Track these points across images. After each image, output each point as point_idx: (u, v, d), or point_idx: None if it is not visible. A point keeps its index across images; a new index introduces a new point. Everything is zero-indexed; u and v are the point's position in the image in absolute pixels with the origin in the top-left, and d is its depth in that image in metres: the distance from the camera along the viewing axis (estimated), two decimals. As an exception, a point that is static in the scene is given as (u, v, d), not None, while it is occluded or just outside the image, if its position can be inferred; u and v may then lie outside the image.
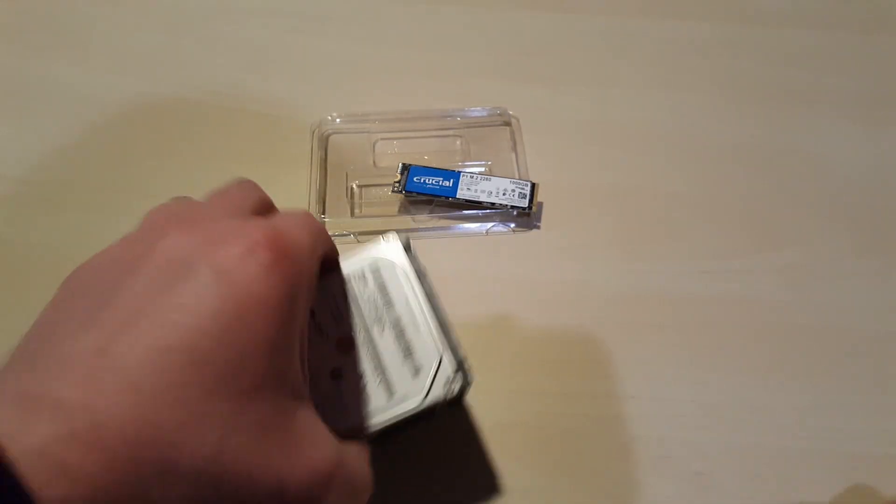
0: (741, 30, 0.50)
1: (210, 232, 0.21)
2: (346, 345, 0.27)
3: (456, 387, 0.27)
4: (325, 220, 0.40)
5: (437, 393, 0.27)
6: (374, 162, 0.43)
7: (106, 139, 0.44)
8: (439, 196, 0.40)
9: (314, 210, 0.40)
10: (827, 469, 0.33)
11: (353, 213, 0.41)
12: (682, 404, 0.35)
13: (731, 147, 0.44)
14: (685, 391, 0.36)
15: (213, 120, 0.45)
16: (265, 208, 0.26)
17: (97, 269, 0.22)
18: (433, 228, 0.41)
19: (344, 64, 0.47)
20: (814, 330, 0.38)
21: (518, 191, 0.40)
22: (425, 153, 0.43)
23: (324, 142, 0.43)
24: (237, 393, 0.19)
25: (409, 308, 0.28)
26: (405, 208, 0.41)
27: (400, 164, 0.41)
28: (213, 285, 0.20)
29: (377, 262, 0.29)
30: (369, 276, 0.29)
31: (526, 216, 0.41)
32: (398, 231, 0.30)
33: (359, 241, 0.40)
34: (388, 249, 0.29)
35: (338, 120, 0.44)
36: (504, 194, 0.40)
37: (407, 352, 0.27)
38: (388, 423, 0.26)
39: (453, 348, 0.27)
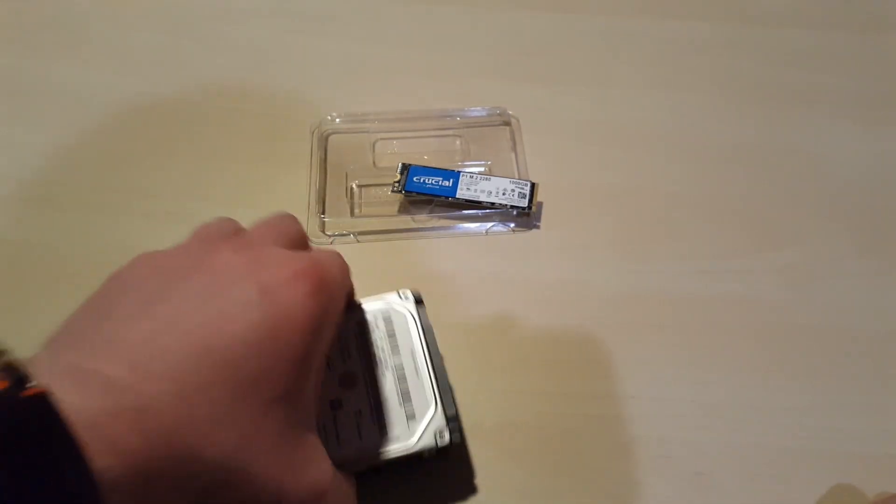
0: (741, 30, 0.50)
1: (259, 255, 0.24)
2: (349, 380, 0.29)
3: (445, 439, 0.29)
4: (325, 219, 0.40)
5: (427, 441, 0.28)
6: (373, 162, 0.43)
7: (106, 139, 0.44)
8: (439, 196, 0.40)
9: (314, 210, 0.40)
10: (827, 469, 0.33)
11: (352, 213, 0.41)
12: (682, 404, 0.35)
13: (731, 147, 0.44)
14: (685, 391, 0.35)
15: (213, 120, 0.45)
16: (302, 242, 0.29)
17: (149, 269, 0.24)
18: (433, 228, 0.40)
19: (344, 64, 0.47)
20: (814, 330, 0.38)
21: (518, 191, 0.40)
22: (425, 153, 0.43)
23: (324, 142, 0.43)
24: (260, 401, 0.21)
25: (413, 358, 0.30)
26: (405, 208, 0.41)
27: (400, 164, 0.41)
28: (257, 301, 0.22)
29: (390, 311, 0.31)
30: (380, 322, 0.31)
31: (526, 216, 0.41)
32: (411, 289, 0.32)
33: (358, 241, 0.40)
34: (402, 302, 0.31)
35: (338, 120, 0.44)
36: (504, 194, 0.40)
37: (404, 397, 0.29)
38: (377, 461, 0.28)
39: (447, 403, 0.29)
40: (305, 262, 0.24)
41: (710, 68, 0.48)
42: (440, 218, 0.41)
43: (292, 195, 0.41)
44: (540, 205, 0.41)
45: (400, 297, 0.31)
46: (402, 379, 0.30)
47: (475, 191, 0.40)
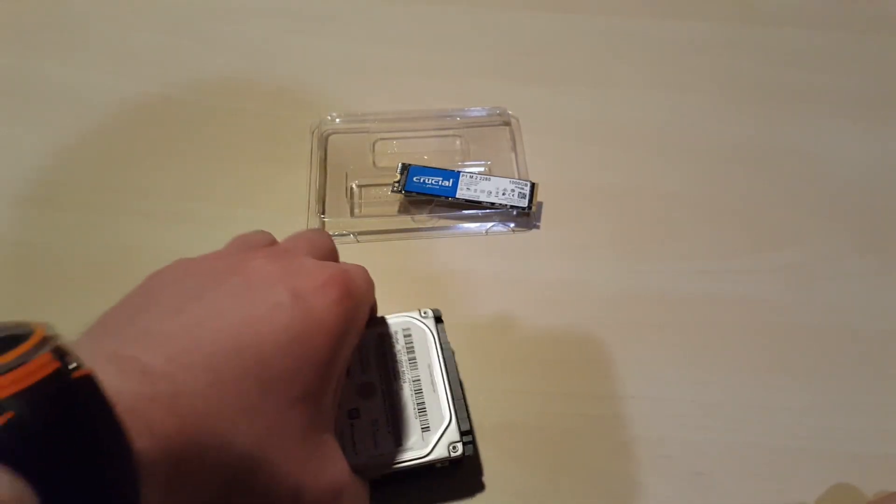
0: (741, 30, 0.50)
1: (291, 264, 0.25)
2: (368, 390, 0.31)
3: (458, 451, 0.29)
4: (325, 220, 0.40)
5: (440, 452, 0.29)
6: (373, 162, 0.43)
7: (106, 139, 0.44)
8: (439, 196, 0.40)
9: (314, 210, 0.40)
10: (827, 469, 0.33)
11: (352, 213, 0.41)
12: (682, 404, 0.35)
13: (730, 147, 0.44)
14: (685, 391, 0.35)
15: (213, 120, 0.45)
16: (332, 255, 0.30)
17: (186, 271, 0.25)
18: (433, 228, 0.40)
19: (344, 64, 0.47)
20: (814, 330, 0.38)
21: (518, 191, 0.40)
22: (425, 153, 0.43)
23: (324, 142, 0.43)
24: (286, 398, 0.22)
25: (430, 372, 0.31)
26: (405, 208, 0.41)
27: (400, 164, 0.41)
28: (289, 305, 0.23)
29: (410, 326, 0.32)
30: (400, 337, 0.32)
31: (526, 216, 0.41)
32: (433, 309, 0.33)
33: (358, 241, 0.40)
34: (423, 319, 0.33)
35: (338, 120, 0.44)
36: (504, 194, 0.40)
37: (420, 410, 0.30)
38: (390, 469, 0.29)
39: (461, 418, 0.30)
40: (335, 272, 0.25)
41: (710, 68, 0.48)
42: (440, 218, 0.41)
43: (292, 195, 0.41)
44: (540, 205, 0.41)
45: (421, 314, 0.33)
46: (418, 392, 0.31)
47: (475, 191, 0.40)
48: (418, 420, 0.30)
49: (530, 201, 0.40)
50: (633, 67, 0.48)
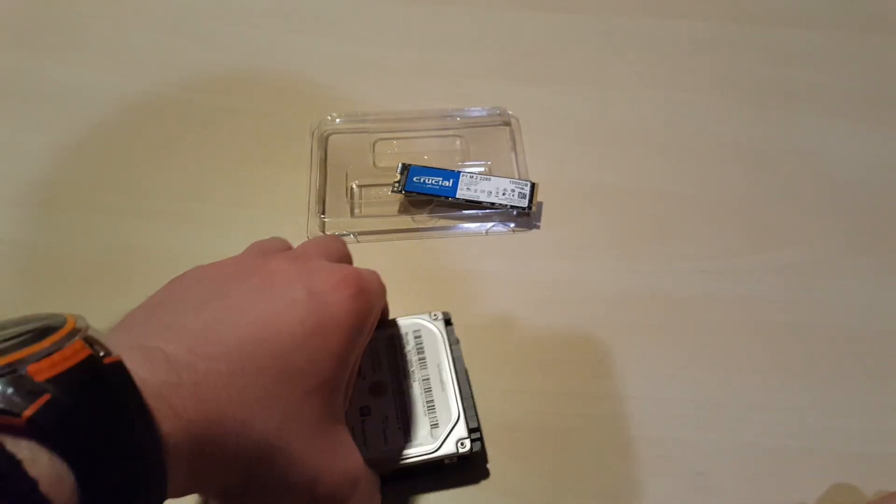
0: (741, 30, 0.50)
1: (308, 265, 0.26)
2: (378, 389, 0.32)
3: (466, 448, 0.30)
4: (325, 220, 0.40)
5: (448, 448, 0.30)
6: (373, 162, 0.43)
7: (106, 139, 0.44)
8: (439, 196, 0.40)
9: (314, 210, 0.40)
10: (827, 468, 0.33)
11: (353, 213, 0.41)
12: (682, 404, 0.35)
13: (731, 147, 0.44)
14: (685, 391, 0.35)
15: (214, 120, 0.45)
16: (346, 260, 0.31)
17: (207, 275, 0.26)
18: (433, 228, 0.41)
19: (344, 64, 0.47)
20: (814, 330, 0.38)
21: (518, 191, 0.40)
22: (425, 153, 0.43)
23: (324, 142, 0.43)
24: (302, 388, 0.23)
25: (439, 372, 0.32)
26: (405, 208, 0.41)
27: (400, 164, 0.41)
28: (305, 301, 0.24)
29: (421, 328, 0.33)
30: (410, 338, 0.33)
31: (526, 216, 0.41)
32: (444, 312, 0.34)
33: (358, 241, 0.40)
34: (433, 321, 0.34)
35: (338, 120, 0.44)
36: (504, 194, 0.40)
37: (429, 407, 0.31)
38: (400, 464, 0.30)
39: (469, 416, 0.31)
40: (349, 272, 0.27)
41: (710, 68, 0.48)
42: (440, 218, 0.41)
43: (292, 195, 0.41)
44: (540, 205, 0.41)
45: (431, 316, 0.34)
46: (427, 390, 0.32)
47: (475, 191, 0.40)
48: (427, 417, 0.31)
49: (530, 201, 0.40)
50: (633, 67, 0.48)
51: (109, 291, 0.38)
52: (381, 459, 0.30)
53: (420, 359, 0.33)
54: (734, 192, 0.42)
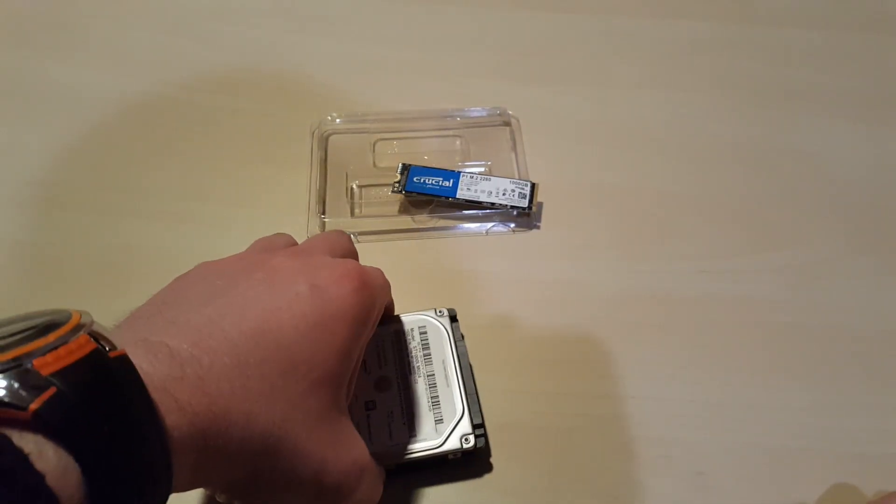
0: (741, 30, 0.50)
1: (311, 261, 0.27)
2: (384, 384, 0.32)
3: (470, 443, 0.31)
4: (326, 220, 0.40)
5: (453, 444, 0.30)
6: (374, 162, 0.43)
7: (106, 139, 0.44)
8: (439, 196, 0.40)
9: (314, 210, 0.40)
10: (827, 468, 0.33)
11: (353, 213, 0.41)
12: (682, 404, 0.35)
13: (731, 147, 0.44)
14: (685, 391, 0.35)
15: (214, 120, 0.45)
16: (351, 255, 0.31)
17: (212, 270, 0.26)
18: (433, 228, 0.41)
19: (344, 64, 0.47)
20: (814, 330, 0.38)
21: (518, 191, 0.40)
22: (425, 153, 0.43)
23: (324, 142, 0.43)
24: (307, 380, 0.24)
25: (444, 368, 0.32)
26: (405, 208, 0.41)
27: (400, 165, 0.41)
28: (308, 295, 0.25)
29: (426, 324, 0.34)
30: (416, 334, 0.33)
31: (526, 216, 0.41)
32: (449, 308, 0.34)
33: (359, 241, 0.40)
34: (438, 318, 0.34)
35: (338, 120, 0.44)
36: (504, 194, 0.40)
37: (434, 403, 0.32)
38: (404, 459, 0.30)
39: (474, 412, 0.31)
40: (351, 266, 0.27)
41: (710, 68, 0.48)
42: (440, 218, 0.41)
43: (292, 195, 0.41)
44: (540, 205, 0.41)
45: (436, 313, 0.34)
46: (432, 386, 0.32)
47: (475, 191, 0.40)
48: (432, 413, 0.31)
49: (530, 201, 0.40)
50: (633, 67, 0.48)
51: (109, 291, 0.38)
52: (386, 453, 0.30)
53: (425, 355, 0.33)
54: (734, 192, 0.42)
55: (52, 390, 0.16)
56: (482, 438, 0.31)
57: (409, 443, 0.30)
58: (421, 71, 0.47)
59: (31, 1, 0.50)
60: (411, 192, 0.40)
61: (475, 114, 0.44)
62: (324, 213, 0.40)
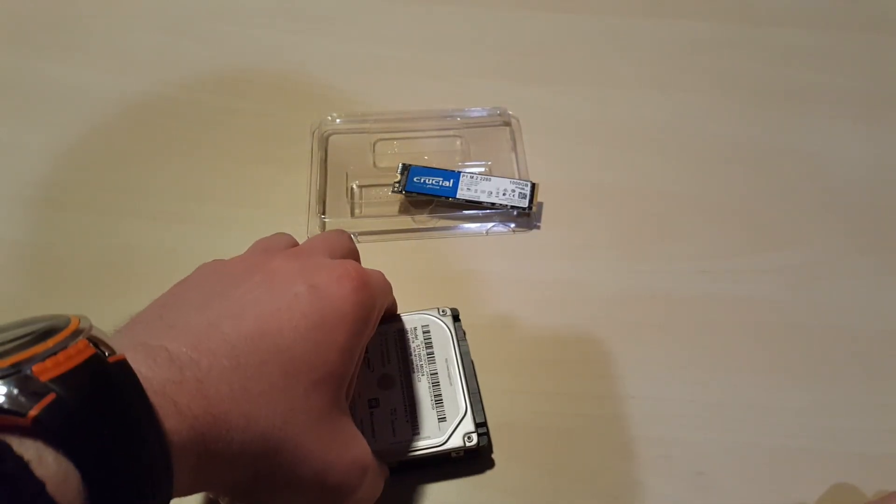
0: (741, 30, 0.50)
1: (310, 262, 0.27)
2: (387, 382, 0.32)
3: (473, 442, 0.31)
4: (326, 220, 0.40)
5: (455, 442, 0.31)
6: (374, 162, 0.43)
7: (106, 139, 0.44)
8: (439, 196, 0.40)
9: (314, 210, 0.40)
10: (827, 468, 0.33)
11: (353, 214, 0.41)
12: (682, 404, 0.35)
13: (731, 147, 0.44)
14: (685, 391, 0.35)
15: (214, 120, 0.45)
16: (351, 255, 0.31)
17: (211, 274, 0.26)
18: (433, 228, 0.41)
19: (344, 64, 0.47)
20: (814, 330, 0.38)
21: (518, 191, 0.40)
22: (425, 153, 0.43)
23: (324, 142, 0.43)
24: (307, 381, 0.24)
25: (447, 366, 0.33)
26: (405, 208, 0.41)
27: (400, 165, 0.41)
28: (307, 296, 0.25)
29: (429, 323, 0.34)
30: (419, 332, 0.34)
31: (526, 216, 0.41)
32: (451, 308, 0.35)
33: (359, 242, 0.40)
34: (441, 317, 0.34)
35: (338, 120, 0.44)
36: (504, 194, 0.40)
37: (437, 401, 0.32)
38: (407, 456, 0.30)
39: (476, 410, 0.32)
40: (350, 266, 0.27)
41: (710, 68, 0.48)
42: (440, 218, 0.41)
43: (292, 195, 0.41)
44: (540, 205, 0.41)
45: (439, 312, 0.34)
46: (435, 384, 0.32)
47: (475, 191, 0.40)
48: (435, 411, 0.31)
49: (531, 201, 0.40)
50: (633, 67, 0.48)
51: (109, 291, 0.38)
52: (389, 451, 0.30)
53: (428, 353, 0.33)
54: (734, 192, 0.42)
55: (51, 396, 0.16)
56: (485, 437, 0.31)
57: (412, 440, 0.31)
58: (421, 71, 0.47)
59: (31, 1, 0.50)
60: (411, 192, 0.40)
61: (475, 114, 0.44)
62: (324, 213, 0.40)
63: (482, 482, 0.33)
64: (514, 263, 0.39)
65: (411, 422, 0.31)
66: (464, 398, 0.32)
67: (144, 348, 0.21)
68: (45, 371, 0.17)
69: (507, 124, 0.44)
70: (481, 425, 0.31)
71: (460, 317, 0.35)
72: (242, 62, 0.47)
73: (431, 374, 0.32)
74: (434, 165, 0.41)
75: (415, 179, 0.41)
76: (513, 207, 0.40)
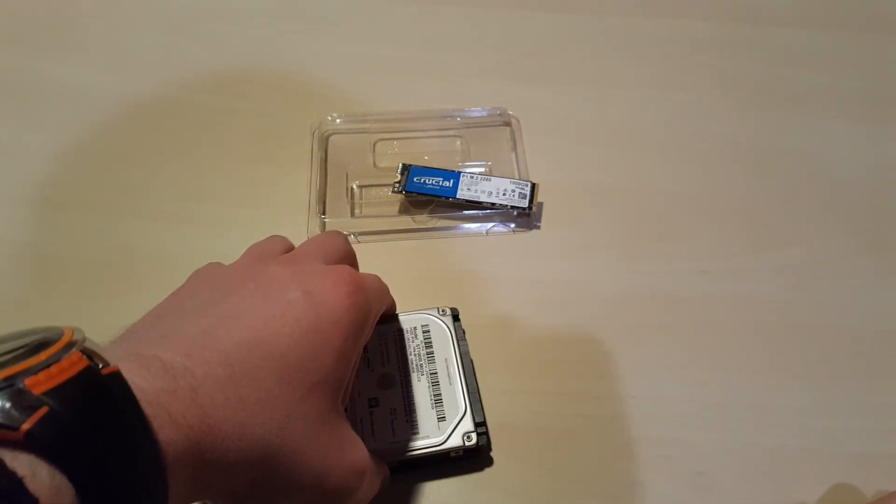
0: (741, 30, 0.50)
1: (304, 268, 0.27)
2: (387, 381, 0.32)
3: (472, 441, 0.31)
4: (326, 220, 0.40)
5: (455, 441, 0.31)
6: (374, 162, 0.43)
7: (106, 139, 0.44)
8: (439, 196, 0.40)
9: (314, 210, 0.40)
10: (827, 468, 0.33)
11: (353, 214, 0.41)
12: (682, 404, 0.35)
13: (731, 147, 0.44)
14: (685, 391, 0.36)
15: (214, 120, 0.45)
16: (349, 259, 0.31)
17: (204, 282, 0.26)
18: (433, 229, 0.41)
19: (344, 64, 0.47)
20: (814, 330, 0.38)
21: (518, 191, 0.40)
22: (425, 153, 0.43)
23: (324, 142, 0.43)
24: (304, 386, 0.23)
25: (446, 366, 0.33)
26: (405, 208, 0.41)
27: (400, 165, 0.41)
28: (301, 301, 0.24)
29: (429, 323, 0.34)
30: (419, 332, 0.34)
31: (526, 216, 0.41)
32: (452, 307, 0.35)
33: (359, 242, 0.40)
34: (441, 316, 0.34)
35: (338, 120, 0.44)
36: (504, 194, 0.40)
37: (436, 401, 0.32)
38: (407, 455, 0.30)
39: (476, 410, 0.32)
40: (344, 271, 0.27)
41: (710, 68, 0.48)
42: (441, 218, 0.41)
43: (293, 195, 0.41)
44: (540, 205, 0.41)
45: (439, 311, 0.34)
46: (435, 384, 0.32)
47: (475, 191, 0.40)
48: (434, 410, 0.32)
49: (531, 201, 0.40)
50: (633, 67, 0.48)
51: (109, 291, 0.38)
52: (389, 450, 0.30)
53: (428, 353, 0.33)
54: (734, 192, 0.42)
55: (44, 410, 0.16)
56: (484, 436, 0.31)
57: (411, 440, 0.31)
58: (421, 71, 0.47)
59: (31, 1, 0.50)
60: (411, 193, 0.40)
61: (475, 114, 0.44)
62: (324, 213, 0.40)
63: (482, 482, 0.33)
64: (514, 263, 0.39)
65: (411, 421, 0.31)
66: (463, 398, 0.32)
67: (138, 358, 0.20)
68: (38, 384, 0.17)
69: (507, 124, 0.44)
70: (481, 425, 0.31)
71: (460, 317, 0.35)
72: (242, 62, 0.47)
73: (431, 374, 0.33)
74: (434, 165, 0.41)
75: (415, 179, 0.41)
76: (513, 207, 0.40)
